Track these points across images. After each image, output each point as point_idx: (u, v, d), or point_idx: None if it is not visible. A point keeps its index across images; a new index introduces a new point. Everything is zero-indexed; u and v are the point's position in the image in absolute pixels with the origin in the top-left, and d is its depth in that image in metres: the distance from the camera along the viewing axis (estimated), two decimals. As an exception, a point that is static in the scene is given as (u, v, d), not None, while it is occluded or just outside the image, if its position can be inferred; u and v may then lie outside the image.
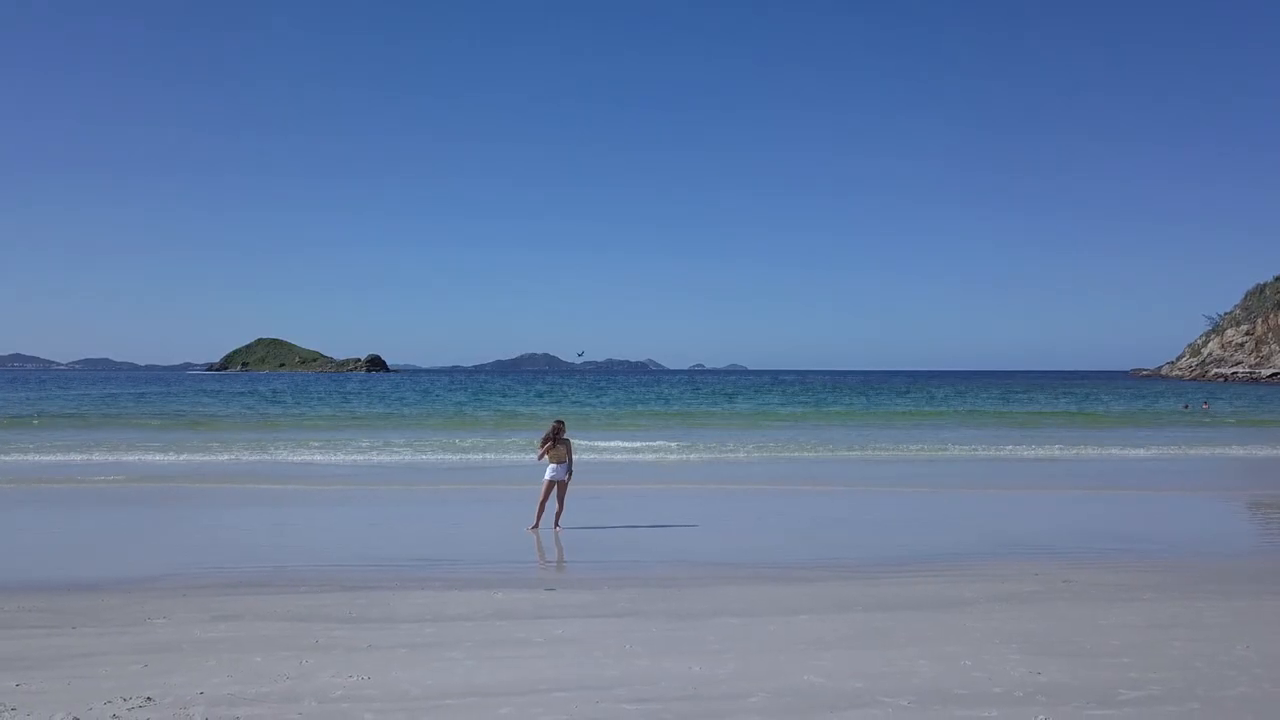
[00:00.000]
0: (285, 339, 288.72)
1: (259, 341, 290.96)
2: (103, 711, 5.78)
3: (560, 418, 15.04)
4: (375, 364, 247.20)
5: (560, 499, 14.19)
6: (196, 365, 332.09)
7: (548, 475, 14.17)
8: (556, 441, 14.19)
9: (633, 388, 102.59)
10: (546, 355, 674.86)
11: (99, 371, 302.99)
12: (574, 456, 14.65)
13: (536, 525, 13.93)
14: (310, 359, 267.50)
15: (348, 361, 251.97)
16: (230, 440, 31.50)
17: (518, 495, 17.02)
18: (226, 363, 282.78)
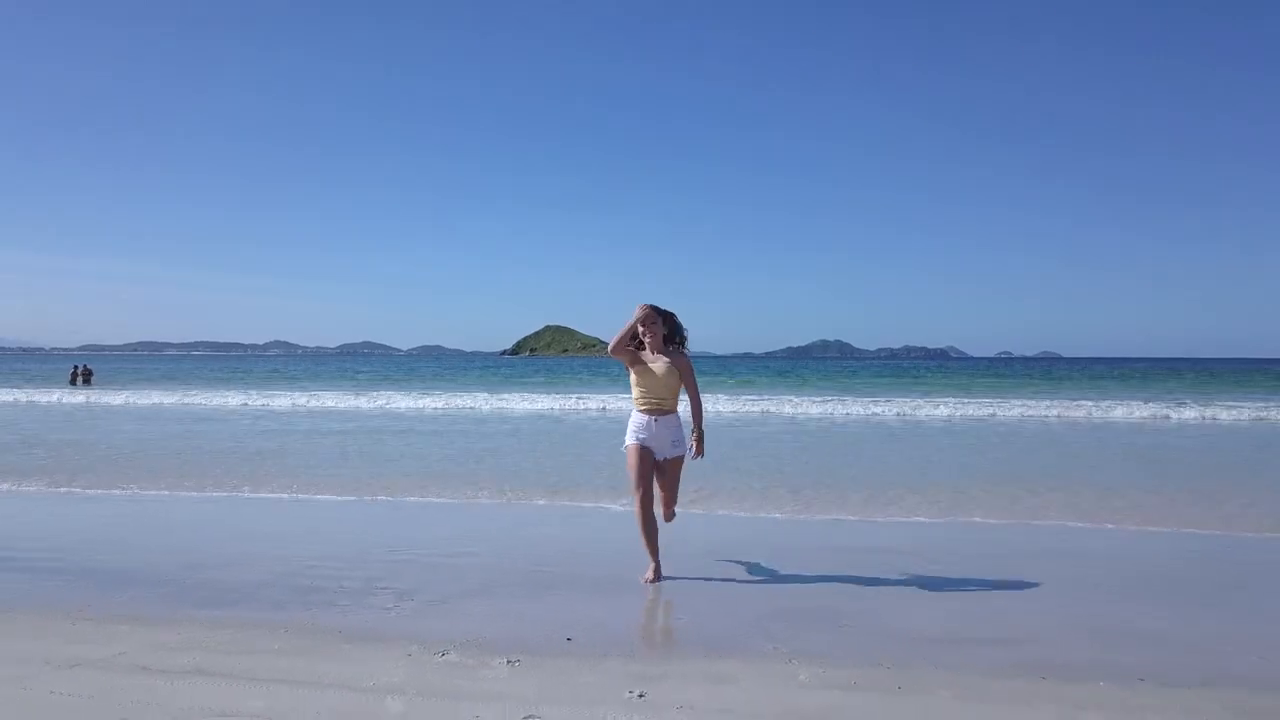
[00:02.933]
0: (570, 326, 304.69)
1: (547, 328, 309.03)
2: None
3: (653, 305, 5.87)
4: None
5: (667, 491, 5.85)
6: (490, 352, 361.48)
7: (631, 437, 5.80)
8: (641, 349, 5.85)
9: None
10: (839, 342, 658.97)
11: (432, 355, 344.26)
12: (701, 397, 5.95)
13: (654, 576, 5.73)
14: (591, 344, 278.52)
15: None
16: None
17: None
18: (518, 348, 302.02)
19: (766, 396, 31.36)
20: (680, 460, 5.83)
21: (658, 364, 5.78)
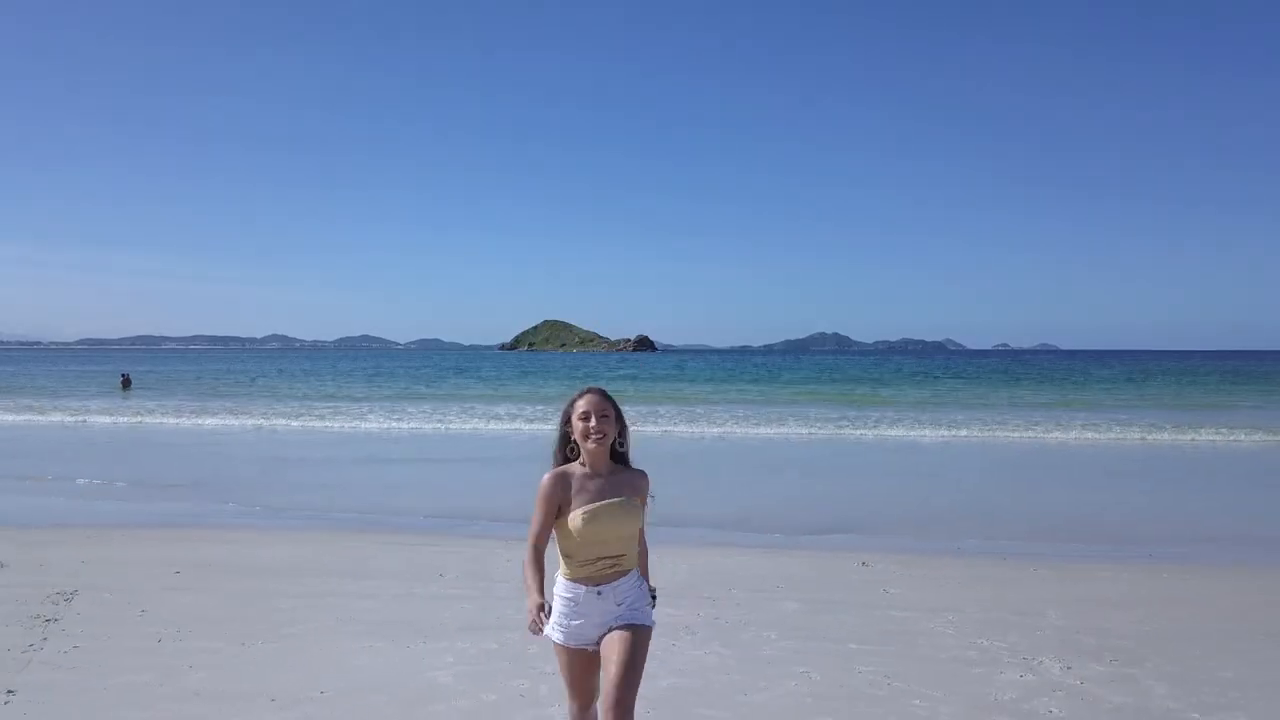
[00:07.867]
0: (568, 321, 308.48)
1: (545, 323, 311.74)
2: None
3: (598, 387, 3.55)
4: (643, 344, 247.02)
5: (620, 679, 3.28)
6: (488, 346, 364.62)
7: (557, 629, 3.44)
8: (570, 460, 3.55)
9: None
10: (836, 335, 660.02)
11: (430, 349, 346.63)
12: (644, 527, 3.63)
13: None
14: (589, 339, 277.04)
15: (619, 342, 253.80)
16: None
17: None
18: (516, 343, 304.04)
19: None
20: (642, 631, 3.40)
21: (608, 499, 3.39)
